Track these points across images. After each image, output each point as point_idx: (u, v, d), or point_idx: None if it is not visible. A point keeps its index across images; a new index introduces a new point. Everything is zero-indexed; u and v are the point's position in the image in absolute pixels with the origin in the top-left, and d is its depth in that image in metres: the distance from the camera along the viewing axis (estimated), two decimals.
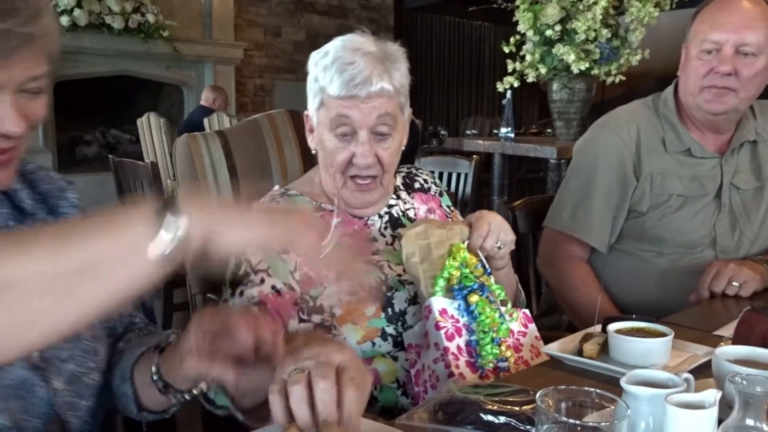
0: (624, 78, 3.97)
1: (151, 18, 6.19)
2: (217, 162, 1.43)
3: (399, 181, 1.40)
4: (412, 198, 1.39)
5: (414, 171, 1.45)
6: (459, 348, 1.12)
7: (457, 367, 1.10)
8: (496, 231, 1.21)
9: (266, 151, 1.50)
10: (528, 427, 0.80)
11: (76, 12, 5.77)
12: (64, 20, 5.72)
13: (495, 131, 5.49)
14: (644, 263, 1.63)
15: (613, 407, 0.76)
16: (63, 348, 0.83)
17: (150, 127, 4.87)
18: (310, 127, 1.29)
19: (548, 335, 1.28)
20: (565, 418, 0.74)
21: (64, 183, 0.98)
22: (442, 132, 6.27)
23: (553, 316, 1.78)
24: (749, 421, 0.72)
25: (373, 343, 1.18)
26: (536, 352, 1.20)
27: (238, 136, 1.49)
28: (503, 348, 1.15)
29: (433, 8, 9.07)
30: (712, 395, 0.75)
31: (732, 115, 1.59)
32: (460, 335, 1.13)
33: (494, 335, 1.15)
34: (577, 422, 0.71)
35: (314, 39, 8.01)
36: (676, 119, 1.63)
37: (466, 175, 3.58)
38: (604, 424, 0.72)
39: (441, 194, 1.45)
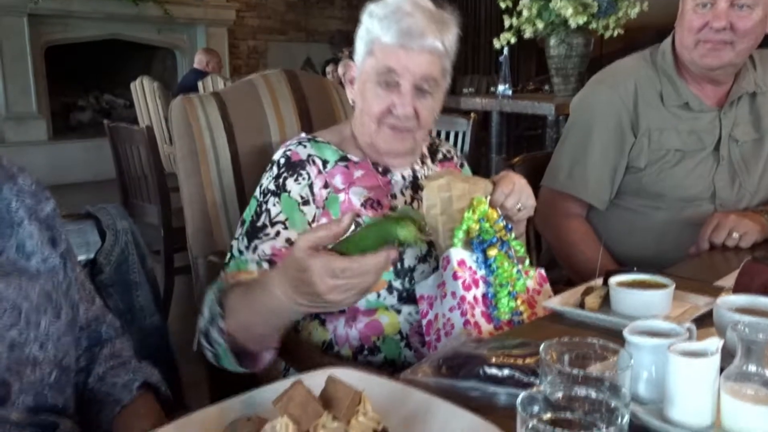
0: (622, 32, 3.92)
1: None
2: (214, 124, 1.41)
3: (425, 150, 1.41)
4: (437, 166, 1.40)
5: (438, 142, 1.48)
6: (475, 298, 1.13)
7: (473, 315, 1.11)
8: (519, 192, 1.22)
9: (263, 111, 1.48)
10: (532, 379, 0.81)
11: None
12: None
13: (492, 89, 5.44)
14: (643, 218, 1.63)
15: (615, 358, 0.77)
16: (6, 315, 0.85)
17: (144, 91, 4.82)
18: (351, 78, 1.30)
19: (553, 290, 1.28)
20: (569, 369, 0.74)
21: (15, 170, 0.98)
22: None
23: (553, 271, 1.78)
24: (751, 368, 0.73)
25: (378, 295, 1.19)
26: (550, 311, 1.21)
27: (234, 97, 1.47)
28: (519, 302, 1.16)
29: None
30: (714, 344, 0.75)
31: (729, 68, 1.57)
32: (477, 286, 1.14)
33: (511, 289, 1.16)
34: (582, 372, 0.72)
35: None
36: (673, 73, 1.61)
37: (464, 133, 3.55)
38: (607, 373, 0.73)
39: (462, 165, 1.46)
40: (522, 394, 0.64)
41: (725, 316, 0.90)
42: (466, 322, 1.10)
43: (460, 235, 1.14)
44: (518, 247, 1.20)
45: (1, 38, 5.66)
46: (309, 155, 1.25)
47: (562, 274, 1.73)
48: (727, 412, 0.73)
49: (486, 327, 1.12)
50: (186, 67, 6.59)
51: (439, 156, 1.43)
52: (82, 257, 1.17)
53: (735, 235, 1.45)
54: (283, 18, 7.70)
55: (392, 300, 1.21)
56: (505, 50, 4.29)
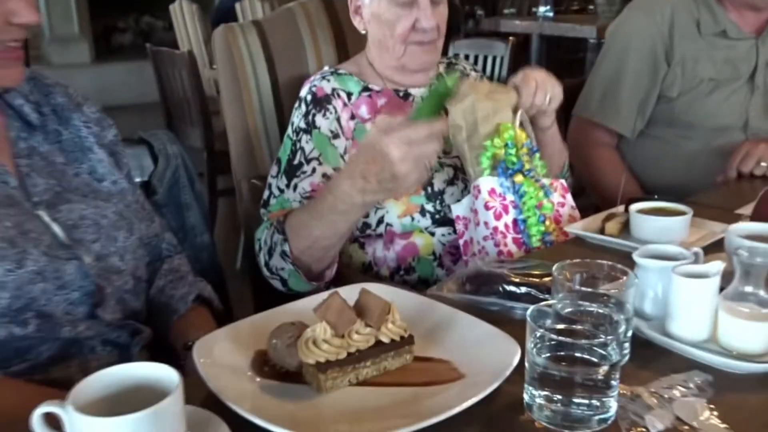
0: None
1: None
2: (255, 52, 1.47)
3: (441, 69, 1.44)
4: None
5: (454, 61, 1.51)
6: (506, 226, 1.19)
7: (505, 245, 1.19)
8: (543, 86, 1.24)
9: (301, 39, 1.53)
10: (546, 296, 0.89)
11: None
12: None
13: (534, 9, 5.31)
14: (673, 147, 1.66)
15: (624, 278, 0.84)
16: (90, 232, 0.95)
17: (183, 14, 4.84)
18: (357, 6, 1.34)
19: (581, 215, 1.33)
20: (578, 287, 0.82)
21: (80, 99, 1.07)
22: (479, 12, 6.07)
23: (583, 197, 1.84)
24: (748, 288, 0.80)
25: (413, 218, 1.27)
26: (573, 221, 1.27)
27: (274, 26, 1.52)
28: (548, 223, 1.23)
29: None
30: (716, 266, 0.82)
31: None
32: (507, 212, 1.20)
33: (541, 213, 1.22)
34: (588, 290, 0.80)
35: None
36: None
37: (502, 58, 3.53)
38: (613, 291, 0.80)
39: (481, 78, 1.49)
40: (532, 307, 0.73)
41: (734, 241, 0.95)
42: (500, 252, 1.18)
43: (486, 163, 1.19)
44: (541, 168, 1.24)
45: None
46: (333, 89, 1.31)
47: (590, 201, 1.79)
48: (724, 327, 0.81)
49: (517, 252, 1.19)
50: None
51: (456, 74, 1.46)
52: (137, 179, 1.27)
53: (763, 164, 1.48)
54: None
55: (426, 222, 1.28)
56: None
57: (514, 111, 1.23)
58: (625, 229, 1.18)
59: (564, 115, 1.86)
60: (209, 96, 3.56)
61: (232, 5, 5.16)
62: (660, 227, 1.12)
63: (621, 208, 1.24)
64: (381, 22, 1.29)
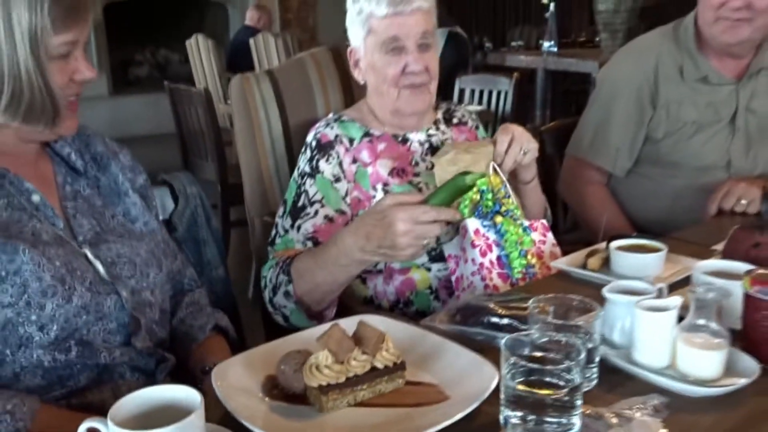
0: None
1: None
2: (268, 99, 1.61)
3: (440, 115, 1.56)
4: (451, 130, 1.55)
5: (453, 107, 1.62)
6: (491, 262, 1.31)
7: (491, 279, 1.31)
8: (519, 139, 1.35)
9: (311, 86, 1.67)
10: (526, 326, 1.00)
11: None
12: None
13: (541, 41, 5.46)
14: (660, 185, 1.77)
15: (594, 312, 0.95)
16: (126, 270, 1.07)
17: (199, 49, 5.04)
18: (356, 60, 1.46)
19: (573, 249, 1.42)
20: (552, 319, 0.93)
21: (116, 147, 1.20)
22: (487, 44, 6.23)
23: (577, 232, 1.95)
24: (702, 321, 0.90)
25: None
26: (555, 257, 1.38)
27: (286, 75, 1.66)
28: (529, 257, 1.34)
29: None
30: (675, 301, 0.93)
31: (747, 43, 1.67)
32: (491, 250, 1.32)
33: (521, 248, 1.34)
34: (560, 321, 0.91)
35: None
36: (694, 47, 1.72)
37: (506, 92, 3.67)
38: (581, 321, 0.91)
39: (477, 127, 1.60)
40: (507, 337, 0.84)
41: (697, 278, 1.06)
42: (486, 286, 1.29)
43: (465, 208, 1.30)
44: (515, 210, 1.35)
45: None
46: (336, 135, 1.43)
47: (583, 235, 1.89)
48: (681, 356, 0.91)
49: (503, 287, 1.30)
50: (237, 21, 6.78)
51: (455, 120, 1.57)
52: (160, 218, 1.40)
53: (743, 201, 1.57)
54: None
55: (423, 258, 1.39)
56: (551, 7, 4.33)
57: (492, 161, 1.34)
58: (606, 264, 1.29)
59: (558, 154, 1.98)
60: (223, 128, 3.71)
61: (247, 40, 5.36)
62: (636, 263, 1.23)
63: (603, 245, 1.35)
64: (376, 70, 1.41)
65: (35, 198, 1.03)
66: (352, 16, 1.42)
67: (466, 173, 1.18)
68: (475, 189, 1.30)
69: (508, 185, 1.38)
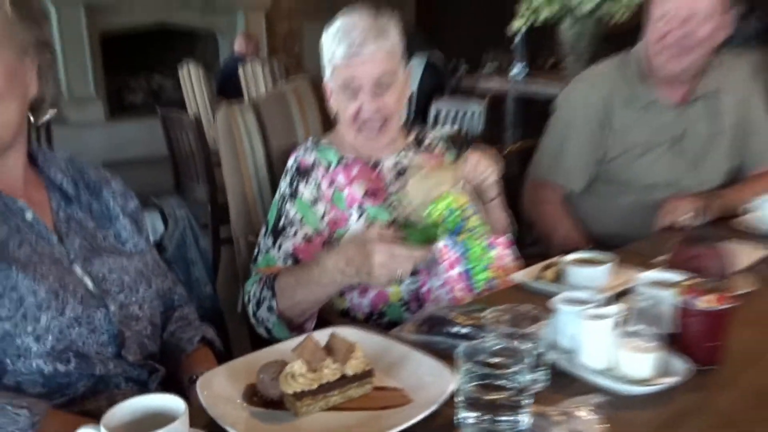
0: (631, 15, 4.01)
1: None
2: (252, 129, 1.66)
3: (411, 139, 1.60)
4: (420, 154, 1.57)
5: (424, 132, 1.65)
6: (458, 275, 1.37)
7: (456, 292, 1.36)
8: (485, 159, 1.41)
9: (291, 116, 1.72)
10: (483, 334, 1.05)
11: None
12: None
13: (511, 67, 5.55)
14: (613, 202, 1.84)
15: (544, 320, 1.01)
16: (115, 284, 1.10)
17: (190, 76, 5.08)
18: (329, 94, 1.51)
19: (536, 262, 1.46)
20: (504, 327, 0.98)
21: (109, 175, 1.24)
22: (463, 66, 6.31)
23: (539, 246, 2.01)
24: (638, 327, 0.96)
25: None
26: (516, 270, 1.42)
27: (269, 105, 1.71)
28: (491, 271, 1.39)
29: None
30: (614, 309, 0.99)
31: (689, 71, 1.74)
32: (457, 265, 1.37)
33: (483, 263, 1.39)
34: (512, 330, 0.96)
35: None
36: (642, 75, 1.79)
37: (478, 114, 3.74)
38: (531, 329, 0.97)
39: (446, 151, 1.62)
40: (462, 345, 0.89)
41: (639, 287, 1.12)
42: (452, 299, 1.34)
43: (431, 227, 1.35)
44: (479, 227, 1.39)
45: (62, 28, 5.95)
46: (315, 160, 1.47)
47: (546, 249, 1.95)
48: (620, 358, 0.96)
49: (467, 299, 1.35)
50: (226, 49, 6.82)
51: (425, 144, 1.60)
52: (150, 239, 1.43)
53: (686, 216, 1.65)
54: (317, 0, 7.84)
55: None
56: (518, 36, 4.41)
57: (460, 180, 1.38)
58: (560, 276, 1.34)
59: (522, 174, 2.04)
60: (213, 151, 3.73)
61: (235, 67, 5.41)
62: (586, 275, 1.29)
63: (558, 258, 1.40)
64: (339, 107, 1.47)
65: (28, 215, 1.06)
66: (323, 55, 1.46)
67: (440, 225, 1.30)
68: (439, 210, 1.34)
69: (474, 204, 1.42)
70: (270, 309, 1.31)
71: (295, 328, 1.33)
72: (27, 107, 1.07)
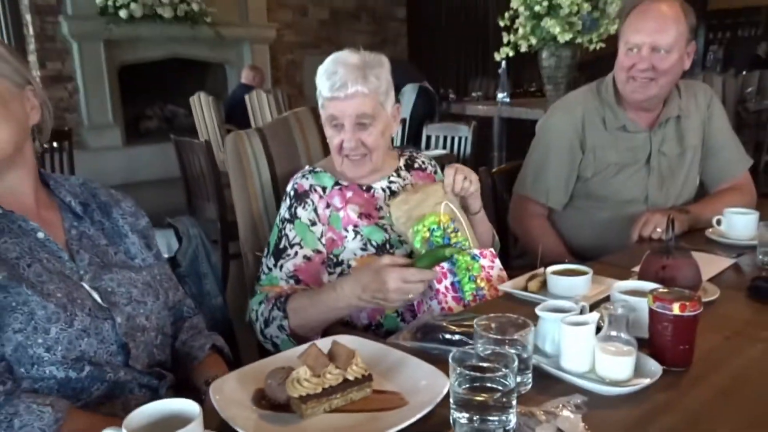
0: (604, 45, 4.06)
1: (195, 6, 6.38)
2: (258, 153, 1.67)
3: (402, 163, 1.60)
4: (411, 176, 1.60)
5: (414, 155, 1.66)
6: (447, 288, 1.37)
7: (447, 302, 1.36)
8: (462, 171, 1.42)
9: (294, 141, 1.73)
10: (473, 341, 1.05)
11: (132, 5, 5.98)
12: (123, 13, 5.94)
13: (497, 92, 5.59)
14: (591, 216, 1.85)
15: (528, 327, 1.01)
16: (123, 297, 1.11)
17: (201, 105, 5.11)
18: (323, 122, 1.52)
19: (520, 273, 1.48)
20: (492, 334, 0.99)
21: (120, 196, 1.26)
22: (451, 95, 6.37)
23: (525, 258, 2.02)
24: (613, 333, 0.97)
25: None
26: (502, 280, 1.43)
27: (273, 132, 1.72)
28: (478, 281, 1.40)
29: None
30: (593, 317, 0.99)
31: (654, 99, 1.76)
32: (446, 278, 1.38)
33: (470, 273, 1.39)
34: (499, 336, 0.97)
35: (336, 16, 8.08)
36: (614, 101, 1.82)
37: (466, 138, 3.77)
38: (517, 336, 0.97)
39: (435, 172, 1.64)
40: (454, 351, 0.89)
41: (614, 296, 1.13)
42: (442, 309, 1.35)
43: (418, 243, 1.36)
44: (463, 241, 1.40)
45: (84, 61, 5.99)
46: (311, 185, 1.47)
47: (530, 261, 1.96)
48: (599, 361, 0.97)
49: (457, 308, 1.36)
50: (234, 78, 6.87)
51: (416, 166, 1.61)
52: (165, 255, 1.43)
53: (659, 229, 1.65)
54: (317, 34, 7.93)
55: None
56: (503, 63, 4.46)
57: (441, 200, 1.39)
58: (544, 286, 1.35)
59: (508, 192, 2.06)
60: (222, 172, 3.75)
61: (242, 96, 5.45)
62: (567, 285, 1.30)
63: (542, 270, 1.41)
64: (328, 138, 1.48)
65: (40, 235, 1.07)
66: (317, 90, 1.47)
67: (445, 246, 1.32)
68: (424, 228, 1.36)
69: (458, 220, 1.42)
70: (281, 328, 1.32)
71: (303, 342, 1.33)
72: (26, 132, 1.08)
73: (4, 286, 0.97)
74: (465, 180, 1.41)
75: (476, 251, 1.42)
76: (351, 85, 1.38)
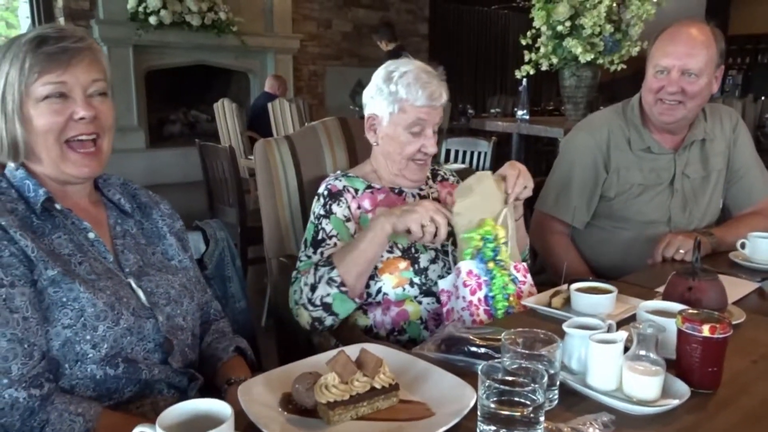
0: (625, 66, 4.06)
1: (222, 15, 6.46)
2: (286, 160, 1.68)
3: (428, 173, 1.63)
4: (436, 185, 1.63)
5: (438, 167, 1.69)
6: (480, 300, 1.35)
7: (478, 315, 1.35)
8: (524, 177, 1.41)
9: (321, 149, 1.74)
10: (499, 355, 1.04)
11: (162, 12, 6.06)
12: (153, 20, 6.02)
13: (515, 109, 5.60)
14: (613, 236, 1.83)
15: (555, 344, 1.00)
16: (162, 298, 1.12)
17: (224, 111, 5.15)
18: (372, 125, 1.53)
19: (540, 289, 1.47)
20: (521, 349, 0.98)
21: (158, 198, 1.28)
22: (470, 111, 6.39)
23: (545, 274, 2.00)
24: (642, 352, 0.95)
25: (404, 288, 1.43)
26: (530, 296, 1.40)
27: (301, 139, 1.73)
28: (511, 299, 1.38)
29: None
30: (621, 335, 0.98)
31: (682, 121, 1.75)
32: (480, 289, 1.35)
33: (505, 292, 1.37)
34: (527, 351, 0.96)
35: (360, 29, 8.14)
36: (639, 123, 1.80)
37: (485, 153, 3.77)
38: (544, 351, 0.96)
39: (457, 182, 1.66)
40: (483, 364, 0.88)
41: (640, 315, 1.11)
42: (474, 321, 1.34)
43: (468, 251, 1.35)
44: (507, 260, 1.39)
45: (112, 65, 6.03)
46: (344, 186, 1.51)
47: (549, 277, 1.95)
48: (626, 380, 0.96)
49: (488, 322, 1.34)
50: (257, 87, 6.93)
51: (439, 178, 1.65)
52: (193, 257, 1.45)
53: (681, 251, 1.64)
54: (339, 46, 7.98)
55: (414, 292, 1.44)
56: (524, 81, 4.45)
57: (503, 203, 1.37)
58: (567, 303, 1.33)
59: (528, 208, 2.05)
60: (243, 178, 3.77)
61: (265, 104, 5.48)
62: (592, 303, 1.28)
63: (565, 287, 1.40)
64: (394, 141, 1.49)
65: (91, 235, 1.09)
66: (382, 93, 1.48)
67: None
68: (478, 237, 1.34)
69: (510, 235, 1.38)
70: (330, 282, 1.33)
71: (354, 294, 1.36)
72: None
73: (57, 281, 0.98)
74: (525, 189, 1.41)
75: (512, 265, 1.40)
76: (442, 96, 1.48)
